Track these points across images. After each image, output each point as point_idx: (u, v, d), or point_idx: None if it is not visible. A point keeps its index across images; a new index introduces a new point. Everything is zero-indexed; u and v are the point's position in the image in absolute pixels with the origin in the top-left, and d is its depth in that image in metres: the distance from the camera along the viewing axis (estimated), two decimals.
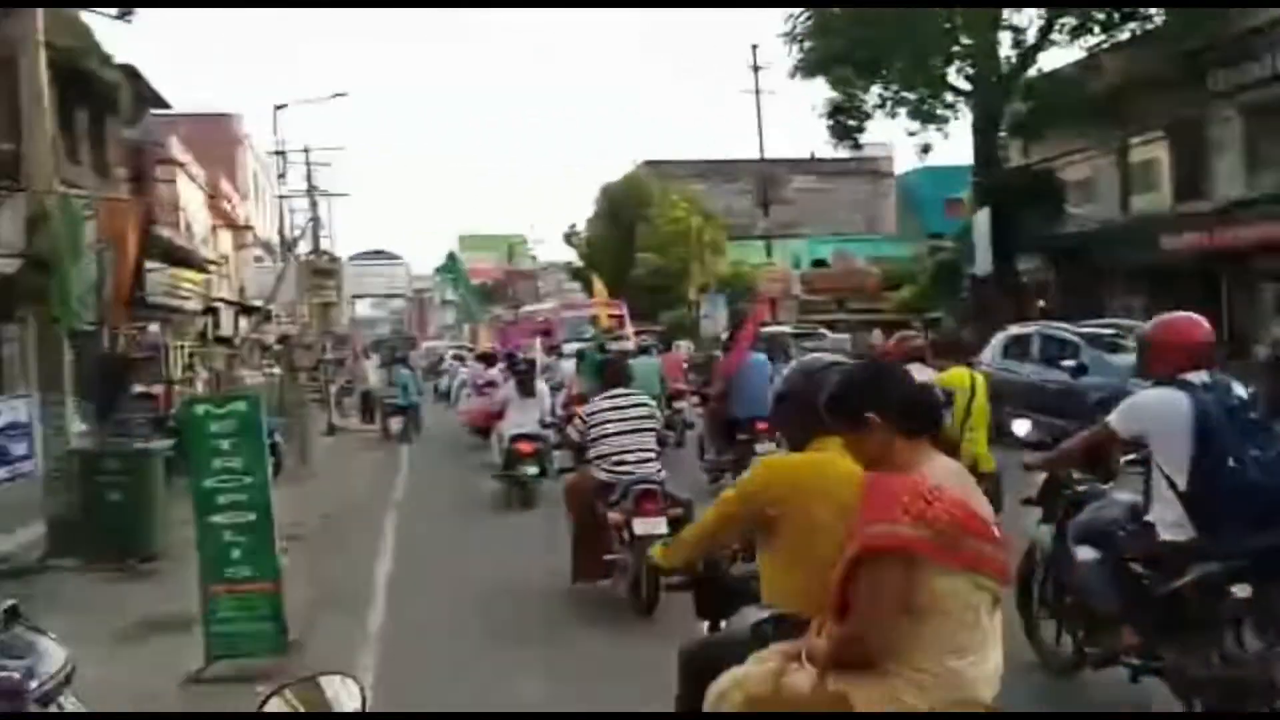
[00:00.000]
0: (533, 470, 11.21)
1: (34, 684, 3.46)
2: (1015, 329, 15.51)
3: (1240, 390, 4.38)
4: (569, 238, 49.48)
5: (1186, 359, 4.35)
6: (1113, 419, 4.54)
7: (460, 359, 31.16)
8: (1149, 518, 4.35)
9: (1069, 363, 13.08)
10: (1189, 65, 19.10)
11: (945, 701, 2.51)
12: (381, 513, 11.60)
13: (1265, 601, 3.97)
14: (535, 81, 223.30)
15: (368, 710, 1.90)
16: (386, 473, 15.65)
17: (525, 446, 11.37)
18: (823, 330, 27.41)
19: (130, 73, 18.89)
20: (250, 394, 7.58)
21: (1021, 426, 5.99)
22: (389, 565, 8.89)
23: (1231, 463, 4.10)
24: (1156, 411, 4.33)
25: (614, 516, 6.58)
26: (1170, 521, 4.22)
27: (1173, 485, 4.19)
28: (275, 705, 1.84)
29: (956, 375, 6.96)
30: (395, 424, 20.10)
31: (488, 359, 18.85)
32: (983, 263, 22.09)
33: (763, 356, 11.50)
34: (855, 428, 2.73)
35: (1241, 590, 3.97)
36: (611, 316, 25.91)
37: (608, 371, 7.91)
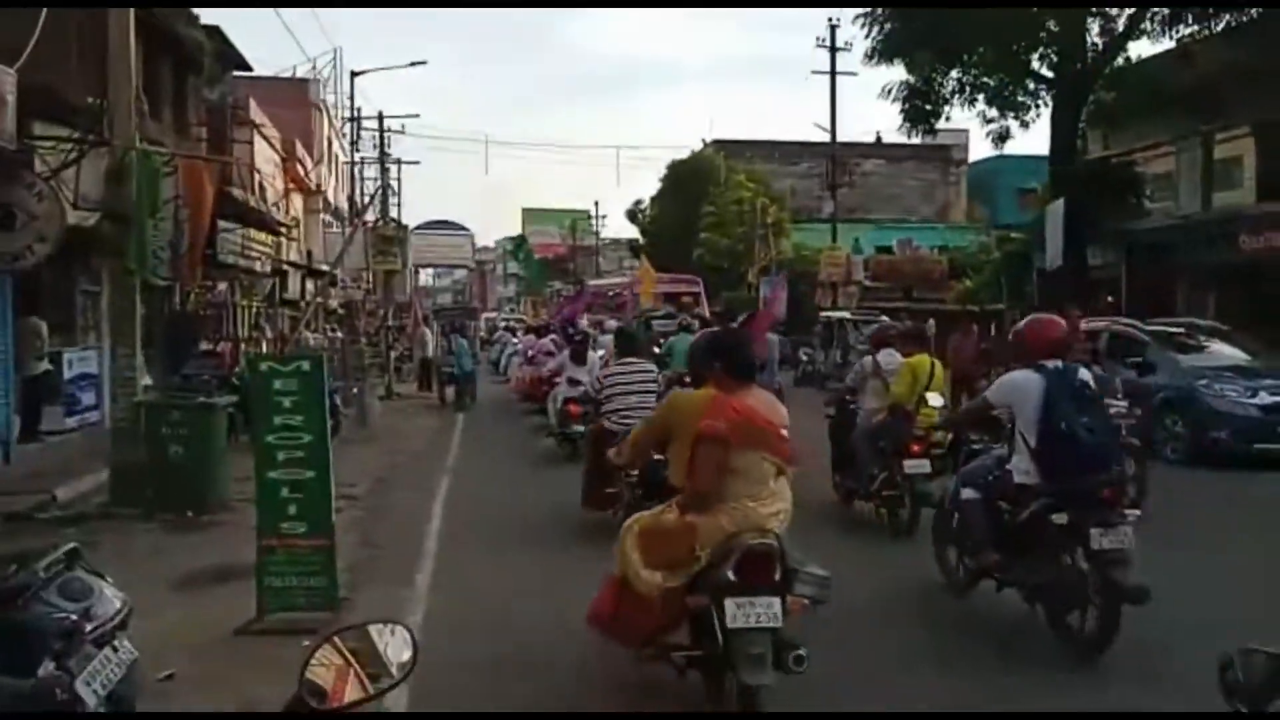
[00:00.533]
0: (581, 429, 11.99)
1: (90, 626, 3.56)
2: (1084, 325, 15.16)
3: (1085, 375, 5.84)
4: (633, 214, 49.40)
5: (1046, 350, 5.71)
6: (988, 393, 6.13)
7: (511, 330, 31.79)
8: (1009, 466, 5.77)
9: (1136, 360, 12.78)
10: None
11: (745, 526, 4.42)
12: (435, 475, 11.75)
13: (1076, 526, 5.29)
14: (609, 55, 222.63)
15: (416, 659, 1.90)
16: (442, 437, 15.85)
17: (575, 408, 12.53)
18: (884, 317, 27.00)
19: (214, 33, 19.22)
20: (314, 354, 7.69)
21: (935, 399, 8.46)
22: (439, 525, 8.99)
23: (1064, 426, 5.42)
24: (1018, 387, 5.70)
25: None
26: (1023, 469, 5.63)
27: (1026, 442, 5.57)
28: (325, 652, 1.85)
29: (919, 360, 8.64)
30: (451, 392, 20.40)
31: (538, 331, 19.46)
32: (1053, 255, 21.57)
33: (774, 336, 13.76)
34: (709, 372, 4.72)
35: (1059, 518, 5.35)
36: (688, 295, 25.37)
37: (619, 342, 9.81)
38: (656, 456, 5.23)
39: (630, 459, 5.58)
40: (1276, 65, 18.15)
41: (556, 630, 5.95)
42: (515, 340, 26.16)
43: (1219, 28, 20.16)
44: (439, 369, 22.10)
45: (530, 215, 77.26)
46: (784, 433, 4.59)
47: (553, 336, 18.74)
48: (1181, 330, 14.50)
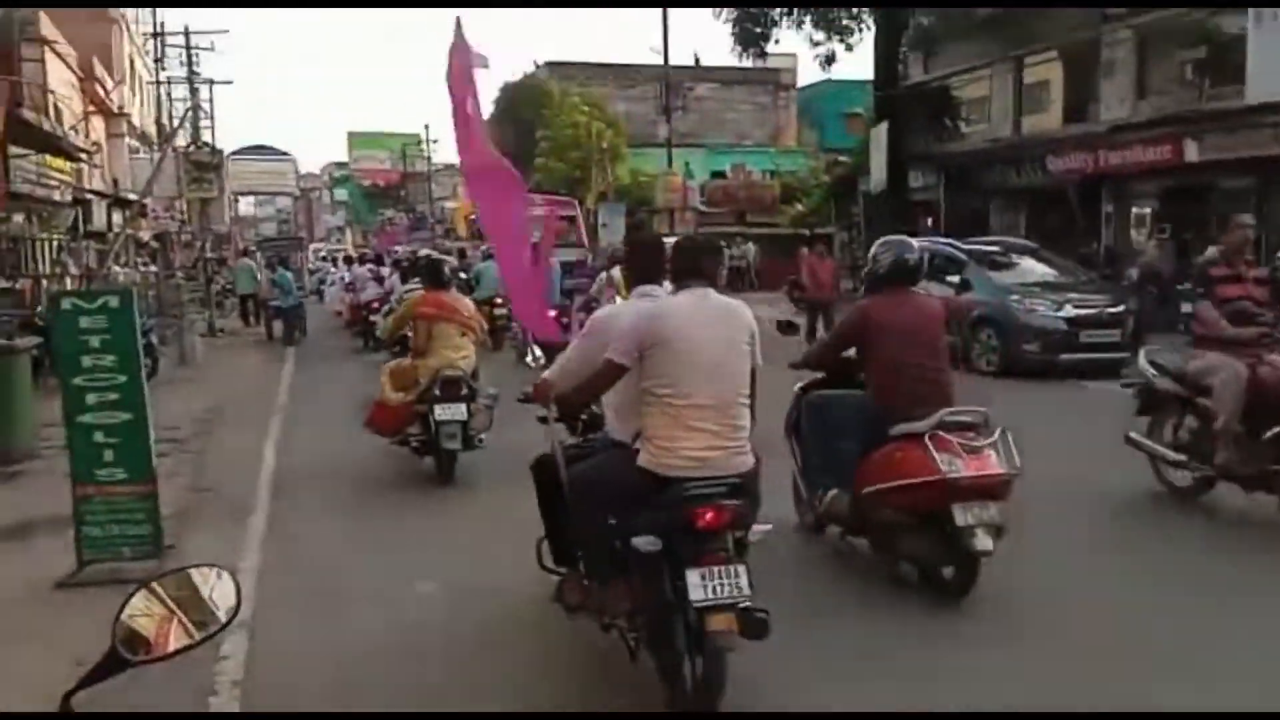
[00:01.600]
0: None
1: None
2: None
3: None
4: None
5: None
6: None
7: (332, 261, 31.59)
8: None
9: (954, 279, 13.42)
10: None
11: (444, 365, 7.80)
12: (266, 414, 11.31)
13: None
14: None
15: (240, 602, 1.82)
16: (270, 374, 15.25)
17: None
18: (721, 242, 27.47)
19: None
20: (122, 289, 7.20)
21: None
22: (270, 465, 8.68)
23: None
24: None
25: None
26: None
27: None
28: (142, 599, 1.75)
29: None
30: (278, 326, 19.68)
31: (361, 260, 21.20)
32: (877, 178, 22.34)
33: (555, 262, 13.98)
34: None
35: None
36: (561, 218, 23.98)
37: (421, 272, 9.99)
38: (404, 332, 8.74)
39: (388, 335, 10.03)
40: None
41: (394, 568, 5.89)
42: (333, 270, 26.76)
43: None
44: (265, 303, 21.20)
45: (356, 139, 74.03)
46: (466, 314, 8.24)
47: (369, 265, 20.21)
48: (995, 249, 15.31)
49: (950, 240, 15.53)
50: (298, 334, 19.55)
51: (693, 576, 3.62)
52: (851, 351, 5.66)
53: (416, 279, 10.83)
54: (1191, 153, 17.15)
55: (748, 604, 3.64)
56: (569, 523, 4.38)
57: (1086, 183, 19.78)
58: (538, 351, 4.95)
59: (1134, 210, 19.95)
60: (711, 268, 4.22)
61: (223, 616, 1.78)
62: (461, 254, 21.50)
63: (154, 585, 1.78)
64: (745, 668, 3.82)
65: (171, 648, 1.71)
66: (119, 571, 5.49)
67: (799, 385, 6.03)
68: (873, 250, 5.78)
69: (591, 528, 4.15)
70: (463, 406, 7.61)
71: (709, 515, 3.67)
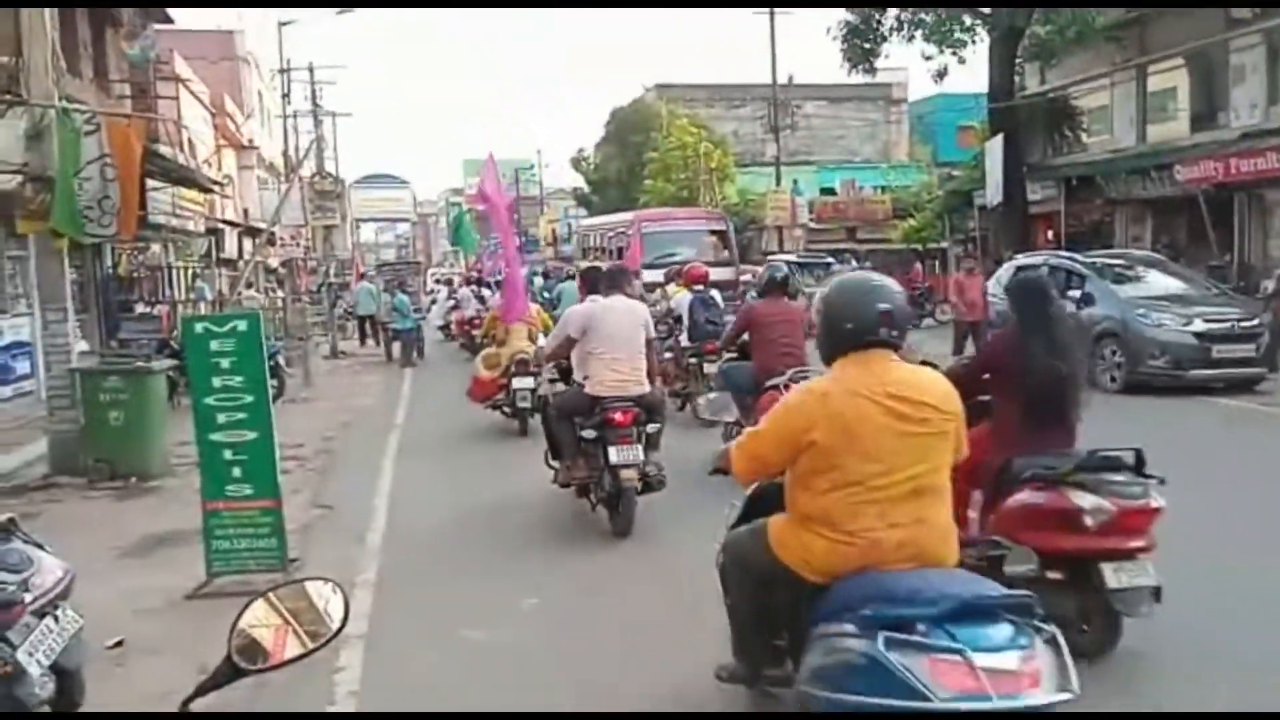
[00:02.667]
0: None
1: (29, 596, 3.50)
2: (1022, 258, 15.37)
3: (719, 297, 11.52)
4: (576, 163, 48.89)
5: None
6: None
7: (440, 282, 33.23)
8: None
9: (1075, 293, 12.99)
10: None
11: (517, 350, 10.78)
12: (384, 432, 11.65)
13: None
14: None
15: (349, 614, 1.89)
16: (389, 393, 15.71)
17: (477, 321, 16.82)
18: (829, 259, 27.13)
19: None
20: (250, 312, 7.54)
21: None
22: (389, 482, 8.93)
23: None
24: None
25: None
26: None
27: None
28: (260, 608, 1.83)
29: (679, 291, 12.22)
30: (397, 348, 20.23)
31: (469, 282, 22.28)
32: (993, 191, 21.78)
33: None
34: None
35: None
36: (711, 233, 22.18)
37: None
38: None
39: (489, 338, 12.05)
40: None
41: (511, 577, 5.99)
42: (442, 291, 28.81)
43: None
44: (384, 325, 21.86)
45: (470, 166, 75.96)
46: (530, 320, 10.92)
47: (472, 286, 21.16)
48: (1118, 261, 14.75)
49: (1071, 254, 15.03)
50: (415, 355, 20.06)
51: (611, 450, 6.57)
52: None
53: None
54: None
55: (651, 467, 6.71)
56: (553, 432, 7.27)
57: (1217, 192, 18.90)
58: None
59: (1270, 220, 18.96)
60: (620, 284, 7.28)
61: (335, 627, 1.85)
62: (545, 274, 24.59)
63: (271, 596, 1.86)
64: None
65: (286, 656, 1.78)
66: (247, 584, 5.69)
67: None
68: (762, 269, 8.29)
69: (564, 429, 7.00)
70: (531, 379, 10.33)
71: (618, 416, 6.65)
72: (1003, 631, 2.71)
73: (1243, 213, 18.96)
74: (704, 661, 4.06)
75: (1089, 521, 4.23)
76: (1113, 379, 12.56)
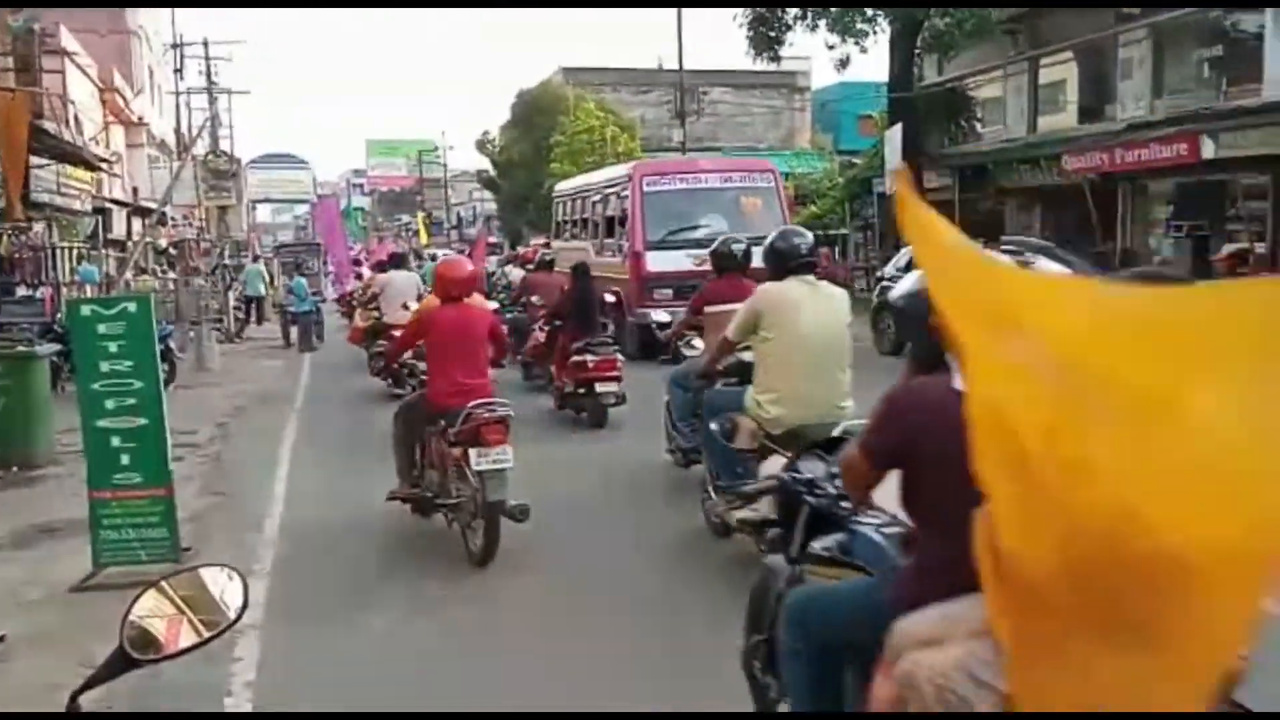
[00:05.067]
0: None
1: None
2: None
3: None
4: (481, 145, 48.25)
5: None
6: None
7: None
8: None
9: None
10: None
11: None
12: (281, 418, 11.38)
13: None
14: None
15: (248, 600, 1.84)
16: (286, 379, 15.34)
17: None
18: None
19: None
20: (140, 295, 7.27)
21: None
22: (286, 470, 8.73)
23: None
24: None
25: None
26: None
27: None
28: (152, 598, 1.76)
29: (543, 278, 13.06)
30: (295, 332, 19.78)
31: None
32: (892, 179, 22.25)
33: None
34: None
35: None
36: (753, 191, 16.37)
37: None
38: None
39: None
40: None
41: (413, 563, 5.93)
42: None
43: None
44: (283, 308, 21.31)
45: (374, 147, 74.64)
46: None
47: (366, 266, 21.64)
48: (1009, 247, 15.25)
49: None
50: (314, 339, 19.60)
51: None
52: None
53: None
54: (1208, 150, 17.03)
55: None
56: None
57: (1103, 182, 19.66)
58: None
59: (1150, 209, 19.82)
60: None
61: (232, 615, 1.80)
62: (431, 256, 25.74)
63: (164, 584, 1.80)
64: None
65: (180, 646, 1.73)
66: (135, 575, 5.51)
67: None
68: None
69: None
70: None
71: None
72: None
73: (1126, 202, 19.77)
74: (618, 640, 4.07)
75: None
76: None
